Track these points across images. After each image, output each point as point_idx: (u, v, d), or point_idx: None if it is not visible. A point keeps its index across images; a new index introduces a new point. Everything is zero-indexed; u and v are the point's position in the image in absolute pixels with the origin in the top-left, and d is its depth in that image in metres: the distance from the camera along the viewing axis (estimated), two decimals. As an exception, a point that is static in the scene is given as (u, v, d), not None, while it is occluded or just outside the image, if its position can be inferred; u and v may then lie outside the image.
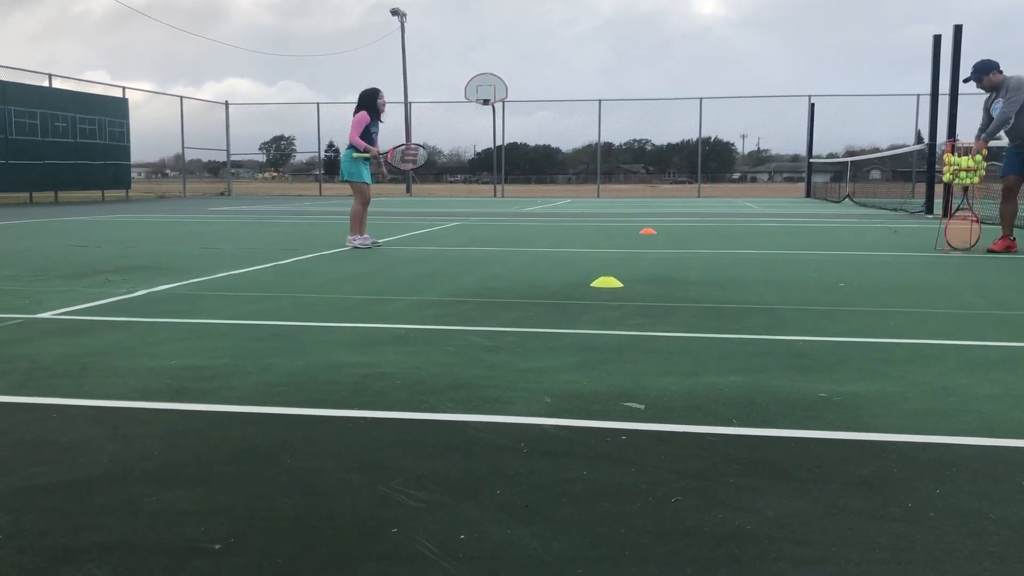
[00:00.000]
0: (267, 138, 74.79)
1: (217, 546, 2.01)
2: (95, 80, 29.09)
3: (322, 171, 43.01)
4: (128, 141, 27.77)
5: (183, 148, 33.18)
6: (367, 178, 9.75)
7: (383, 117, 9.82)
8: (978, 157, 9.00)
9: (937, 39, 16.48)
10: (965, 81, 9.40)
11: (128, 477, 2.45)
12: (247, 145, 77.55)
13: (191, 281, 6.66)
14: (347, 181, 9.72)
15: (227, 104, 35.35)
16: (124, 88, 28.44)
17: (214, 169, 62.13)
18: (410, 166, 10.67)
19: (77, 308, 5.36)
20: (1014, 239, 9.21)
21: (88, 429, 2.90)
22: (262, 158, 74.18)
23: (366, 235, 9.80)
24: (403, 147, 10.31)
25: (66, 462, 2.57)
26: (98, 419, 3.02)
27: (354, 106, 9.76)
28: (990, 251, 9.04)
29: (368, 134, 9.61)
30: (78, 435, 2.83)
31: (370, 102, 9.69)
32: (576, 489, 2.35)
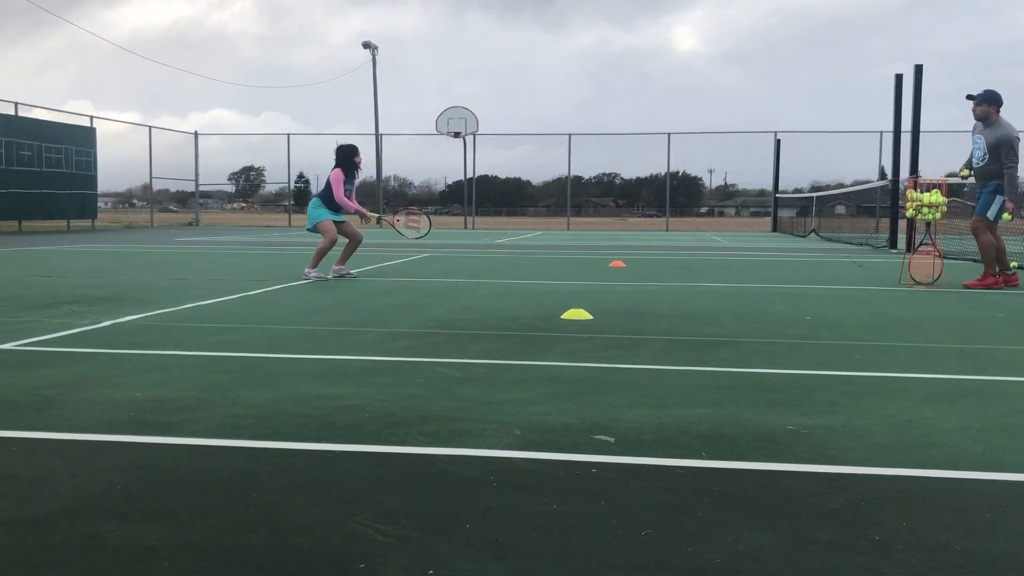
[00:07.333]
0: (236, 168, 74.71)
1: (182, 583, 1.97)
2: (63, 109, 28.63)
3: (292, 202, 42.83)
4: (95, 170, 27.51)
5: (151, 178, 32.99)
6: (327, 216, 9.78)
7: (358, 173, 9.98)
8: (937, 194, 9.18)
9: (899, 78, 16.82)
10: (968, 98, 9.33)
11: (91, 512, 2.40)
12: (217, 176, 77.11)
13: (157, 312, 6.59)
14: (312, 229, 9.85)
15: (196, 134, 35.24)
16: (92, 117, 28.24)
17: (182, 199, 61.75)
18: (413, 234, 11.26)
19: (40, 339, 5.28)
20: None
21: (50, 463, 2.85)
22: (231, 188, 73.94)
23: (341, 266, 9.91)
24: (404, 212, 10.97)
25: (27, 497, 2.52)
26: (60, 452, 2.97)
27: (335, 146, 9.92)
28: None
29: (344, 191, 9.70)
30: (40, 469, 2.78)
31: (347, 159, 9.76)
32: (547, 523, 2.34)
